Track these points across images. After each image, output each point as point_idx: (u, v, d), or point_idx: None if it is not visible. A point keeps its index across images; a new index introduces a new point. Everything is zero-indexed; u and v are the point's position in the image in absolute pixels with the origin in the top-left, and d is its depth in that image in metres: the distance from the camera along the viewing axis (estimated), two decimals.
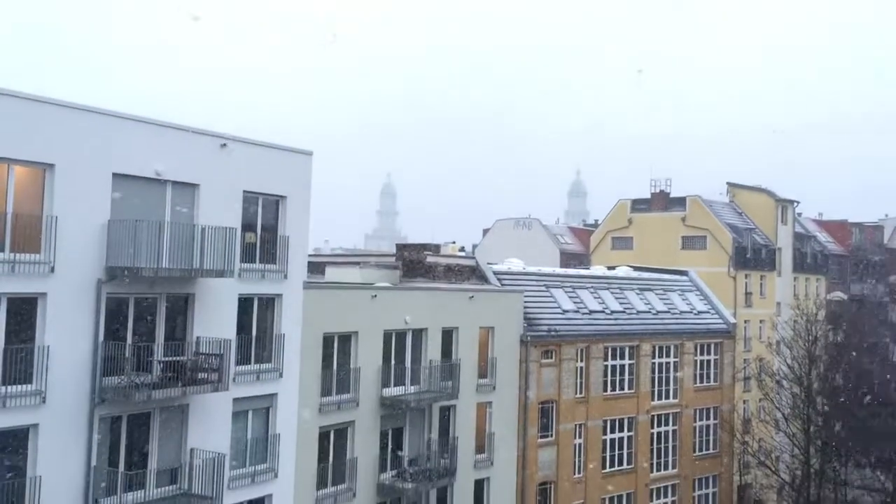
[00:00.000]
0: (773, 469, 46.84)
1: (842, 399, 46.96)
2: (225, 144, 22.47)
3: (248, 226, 23.32)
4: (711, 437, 42.07)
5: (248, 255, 23.21)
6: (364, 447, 26.90)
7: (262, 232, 23.79)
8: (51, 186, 18.69)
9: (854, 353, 55.51)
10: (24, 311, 18.37)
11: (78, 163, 19.09)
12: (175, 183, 21.25)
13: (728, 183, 64.74)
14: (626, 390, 37.80)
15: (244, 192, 23.10)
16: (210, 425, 21.97)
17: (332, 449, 26.17)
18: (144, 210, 20.42)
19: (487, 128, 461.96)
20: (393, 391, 27.89)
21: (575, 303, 37.32)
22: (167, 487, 21.01)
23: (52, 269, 18.54)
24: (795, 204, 65.50)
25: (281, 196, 24.21)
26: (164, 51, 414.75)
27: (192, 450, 21.39)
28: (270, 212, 24.13)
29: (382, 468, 27.69)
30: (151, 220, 20.21)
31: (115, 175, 19.86)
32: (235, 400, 22.66)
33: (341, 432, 26.47)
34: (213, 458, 21.20)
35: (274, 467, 23.81)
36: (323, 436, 25.78)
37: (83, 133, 19.33)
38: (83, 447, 19.13)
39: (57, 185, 18.71)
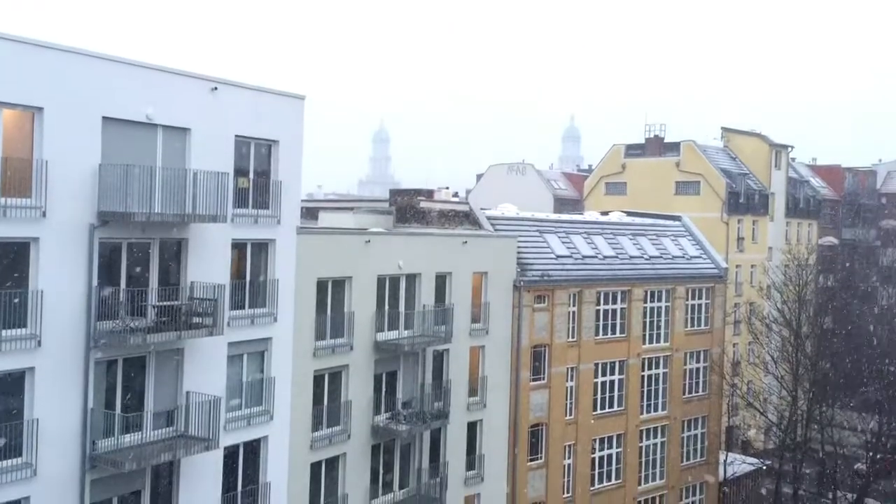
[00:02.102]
0: (761, 410, 47.65)
1: (830, 342, 47.58)
2: (216, 88, 22.21)
3: (240, 171, 23.19)
4: (701, 380, 42.62)
5: (240, 200, 23.12)
6: (358, 390, 27.21)
7: (254, 177, 23.67)
8: (40, 130, 18.50)
9: (844, 297, 56.09)
10: (16, 255, 18.36)
11: (67, 106, 18.87)
12: (166, 127, 21.05)
13: (723, 128, 64.58)
14: (618, 334, 38.14)
15: (236, 136, 22.92)
16: (205, 369, 22.17)
17: (326, 392, 26.46)
18: (135, 155, 20.26)
19: (481, 73, 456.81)
20: (387, 335, 28.11)
21: (568, 248, 37.42)
22: (164, 429, 21.29)
23: (44, 214, 18.47)
24: (790, 149, 65.40)
25: (273, 141, 24.04)
26: None
27: (187, 392, 21.62)
28: (263, 156, 23.99)
29: (377, 410, 28.05)
30: (143, 165, 20.10)
31: (104, 119, 19.66)
32: (230, 344, 22.82)
33: (336, 375, 26.75)
34: (209, 401, 21.45)
35: (269, 409, 24.11)
36: (318, 379, 26.05)
37: (72, 76, 19.07)
38: (80, 390, 19.31)
39: (46, 129, 18.52)
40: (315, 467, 26.05)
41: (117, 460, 19.54)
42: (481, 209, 37.09)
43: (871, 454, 44.26)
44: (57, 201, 18.64)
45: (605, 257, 38.58)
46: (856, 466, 46.22)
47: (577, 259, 37.27)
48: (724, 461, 45.06)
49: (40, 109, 18.49)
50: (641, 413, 39.39)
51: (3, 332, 17.90)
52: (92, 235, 19.33)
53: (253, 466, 23.99)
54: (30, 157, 18.39)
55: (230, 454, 23.21)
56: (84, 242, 19.24)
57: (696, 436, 42.48)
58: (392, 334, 28.31)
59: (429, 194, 39.33)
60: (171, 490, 21.79)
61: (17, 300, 18.10)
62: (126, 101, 20.11)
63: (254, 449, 24.00)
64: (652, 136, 62.23)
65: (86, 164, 19.26)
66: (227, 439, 22.62)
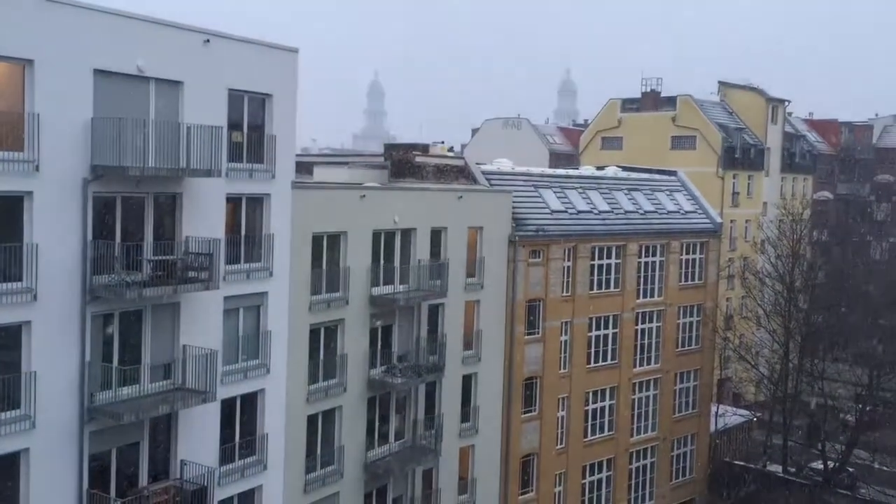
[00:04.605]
0: (753, 364, 48.16)
1: (822, 296, 47.94)
2: (208, 40, 21.95)
3: (234, 125, 23.04)
4: (694, 334, 42.95)
5: (234, 154, 23.01)
6: (354, 344, 27.41)
7: (248, 131, 23.52)
8: (31, 83, 18.31)
9: (837, 251, 56.41)
10: (10, 209, 18.31)
11: (57, 58, 18.66)
12: (158, 80, 20.85)
13: (720, 82, 64.19)
14: (612, 289, 38.32)
15: (229, 90, 22.72)
16: (202, 323, 22.29)
17: (322, 345, 26.66)
18: (128, 108, 20.09)
19: (478, 26, 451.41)
20: (382, 290, 28.22)
21: (563, 203, 37.40)
22: (161, 382, 21.48)
23: (37, 168, 18.38)
24: (786, 103, 65.10)
25: (267, 94, 23.85)
26: None
27: (184, 346, 21.77)
28: (257, 110, 23.81)
29: (372, 364, 28.29)
30: (136, 119, 19.95)
31: (96, 71, 19.45)
32: (226, 298, 22.91)
33: (332, 329, 26.92)
34: (206, 354, 21.61)
35: (266, 363, 24.30)
36: (314, 333, 26.21)
37: (62, 28, 18.82)
38: (77, 343, 19.43)
39: (37, 82, 18.33)
40: (312, 419, 26.36)
41: (115, 412, 19.73)
42: (477, 164, 36.96)
43: (860, 406, 44.89)
44: (50, 155, 18.54)
45: (601, 212, 38.60)
46: (845, 418, 46.89)
47: (572, 214, 37.29)
48: (716, 413, 45.69)
49: (31, 62, 18.29)
50: (635, 366, 39.77)
51: None
52: (86, 189, 19.28)
53: (250, 419, 24.28)
54: (21, 111, 18.24)
55: (228, 407, 23.45)
56: (78, 196, 19.19)
57: (688, 388, 42.96)
58: (387, 289, 28.43)
59: (424, 149, 39.16)
60: (170, 442, 22.08)
61: (11, 254, 18.09)
62: (117, 54, 19.88)
63: (251, 401, 24.25)
64: (648, 90, 61.84)
65: (78, 118, 19.12)
66: (224, 392, 22.83)
